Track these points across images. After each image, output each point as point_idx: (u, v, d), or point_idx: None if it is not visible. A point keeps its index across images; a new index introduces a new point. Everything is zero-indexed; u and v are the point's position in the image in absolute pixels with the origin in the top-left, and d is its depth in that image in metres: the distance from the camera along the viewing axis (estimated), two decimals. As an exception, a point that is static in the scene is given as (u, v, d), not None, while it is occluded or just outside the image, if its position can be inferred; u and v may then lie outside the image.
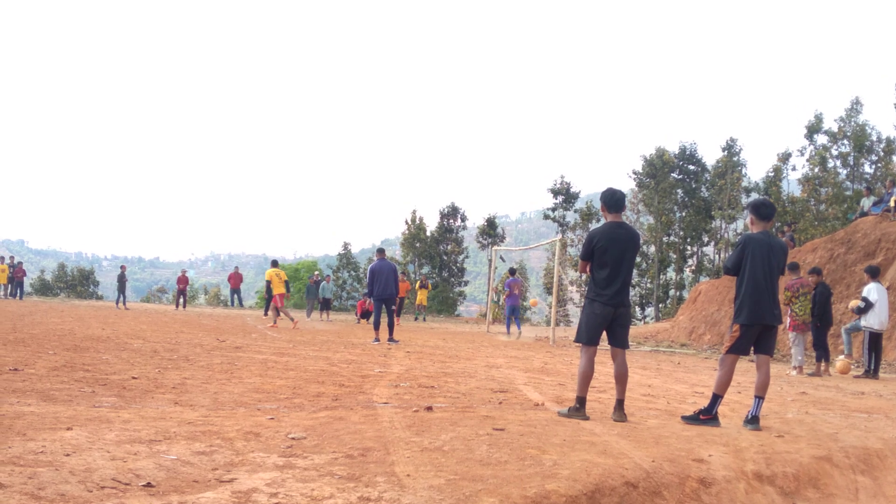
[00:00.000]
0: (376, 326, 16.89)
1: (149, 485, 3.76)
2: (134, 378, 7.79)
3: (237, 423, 5.51)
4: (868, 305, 13.97)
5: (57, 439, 4.55)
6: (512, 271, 25.72)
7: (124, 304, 31.24)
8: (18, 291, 34.23)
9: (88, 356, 9.60)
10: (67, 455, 4.17)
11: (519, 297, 24.64)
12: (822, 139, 44.71)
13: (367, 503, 3.69)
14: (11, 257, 35.80)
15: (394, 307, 17.24)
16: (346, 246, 57.67)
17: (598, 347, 6.99)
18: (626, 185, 53.39)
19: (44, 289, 53.47)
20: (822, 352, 14.45)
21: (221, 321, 22.86)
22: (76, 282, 57.48)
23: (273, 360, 10.79)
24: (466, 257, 54.15)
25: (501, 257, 28.44)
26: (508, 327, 24.04)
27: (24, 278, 35.77)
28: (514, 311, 24.23)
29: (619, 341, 6.85)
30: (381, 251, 17.66)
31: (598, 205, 7.19)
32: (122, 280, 31.85)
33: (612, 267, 6.77)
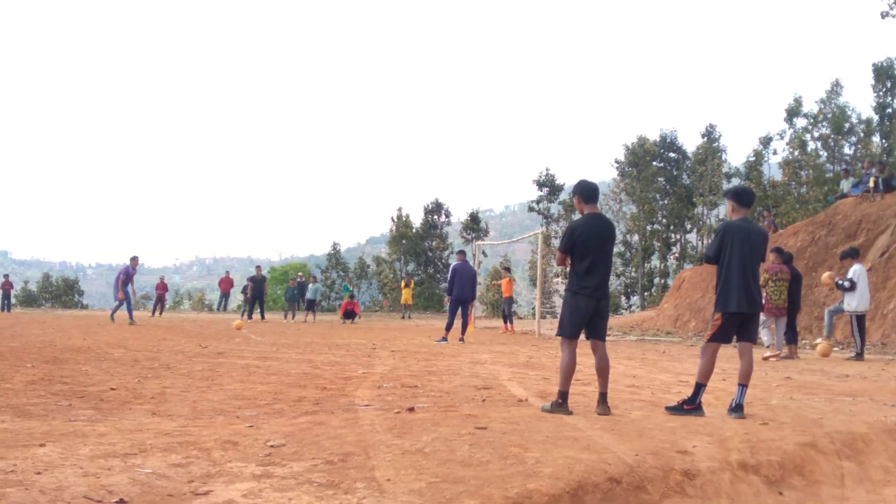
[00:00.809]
0: (448, 327, 17.17)
1: (121, 501, 3.68)
2: (112, 389, 7.69)
3: (215, 433, 5.43)
4: (853, 286, 14.01)
5: (29, 457, 4.46)
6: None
7: (161, 313, 32.03)
8: (6, 304, 34.03)
9: (68, 368, 9.48)
10: (38, 473, 4.08)
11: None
12: (801, 122, 44.92)
13: (346, 510, 3.64)
14: None
15: (470, 310, 17.92)
16: (335, 246, 57.65)
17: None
18: (609, 175, 53.60)
19: (28, 300, 53.10)
20: (791, 334, 14.53)
21: (205, 327, 22.71)
22: (61, 292, 57.10)
23: (255, 364, 10.70)
24: (451, 253, 54.15)
25: (484, 252, 28.53)
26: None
27: (11, 290, 35.63)
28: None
29: (600, 333, 6.80)
30: (462, 252, 18.56)
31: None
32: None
33: (593, 259, 6.72)
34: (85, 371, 9.23)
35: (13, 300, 37.52)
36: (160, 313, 32.79)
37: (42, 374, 8.69)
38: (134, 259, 23.67)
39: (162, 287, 33.64)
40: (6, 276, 35.39)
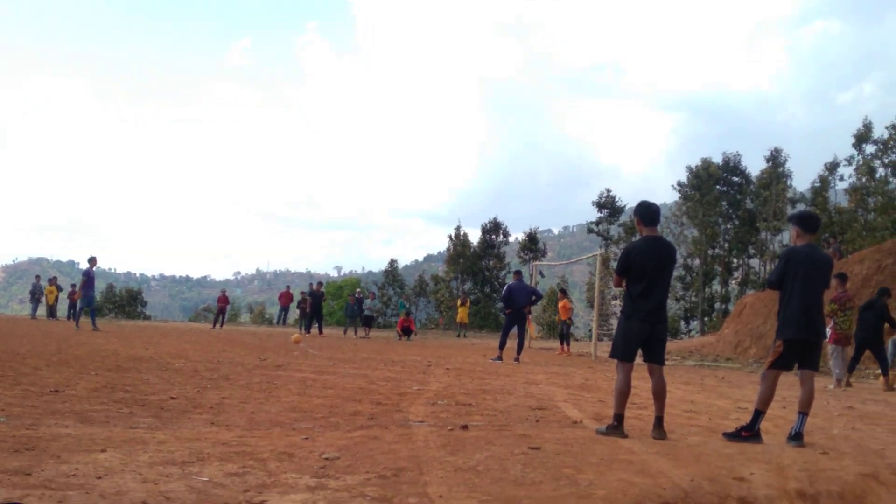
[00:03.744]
0: (501, 346, 17.40)
1: (179, 507, 3.75)
2: (173, 398, 7.83)
3: (271, 444, 5.50)
4: None
5: (90, 461, 4.57)
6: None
7: (221, 325, 33.40)
8: (71, 313, 34.72)
9: (129, 377, 9.67)
10: (99, 478, 4.18)
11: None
12: (871, 148, 43.96)
13: (398, 525, 3.65)
14: (52, 279, 36.33)
15: (528, 321, 18.27)
16: (392, 263, 57.95)
17: (636, 363, 6.88)
18: (671, 198, 53.07)
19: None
20: (853, 363, 14.35)
21: (264, 340, 22.97)
22: (125, 302, 58.20)
23: (312, 378, 10.80)
24: (508, 272, 53.98)
25: (541, 272, 28.44)
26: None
27: (78, 300, 36.42)
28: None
29: (656, 357, 6.73)
30: (518, 272, 18.48)
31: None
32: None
33: (649, 282, 6.66)
34: (146, 380, 9.41)
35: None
36: (221, 325, 33.27)
37: (105, 382, 8.87)
38: (92, 260, 23.68)
39: (223, 300, 34.19)
40: (73, 285, 36.18)
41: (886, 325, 14.41)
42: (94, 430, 5.73)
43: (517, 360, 16.89)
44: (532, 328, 18.89)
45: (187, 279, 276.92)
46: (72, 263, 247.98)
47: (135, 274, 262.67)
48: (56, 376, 9.23)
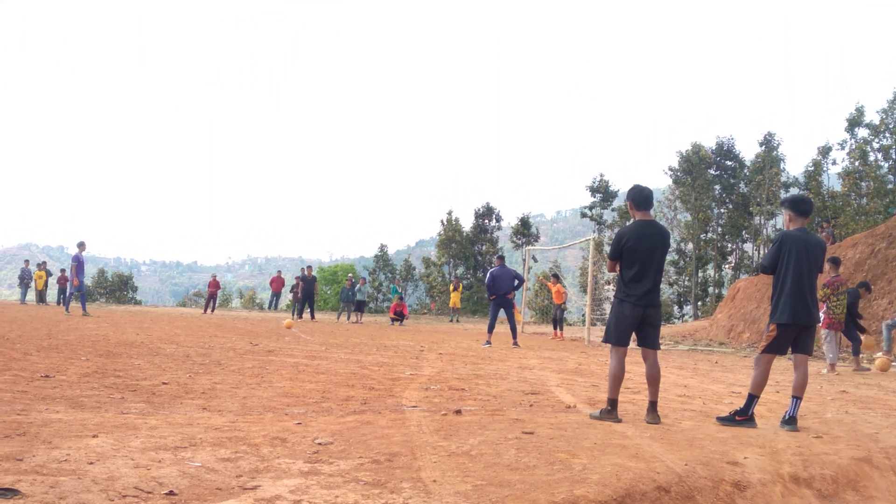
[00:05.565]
0: (490, 329, 17.60)
1: (171, 493, 3.72)
2: (164, 383, 7.80)
3: (264, 429, 5.47)
4: None
5: (82, 447, 4.53)
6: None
7: (212, 310, 33.36)
8: (61, 298, 34.60)
9: (121, 362, 9.64)
10: (91, 463, 4.15)
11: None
12: (863, 132, 43.92)
13: (392, 510, 3.63)
14: (41, 263, 36.19)
15: (514, 306, 18.45)
16: (382, 248, 57.86)
17: (630, 347, 6.87)
18: (663, 182, 53.03)
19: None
20: (856, 346, 14.39)
21: (256, 325, 22.93)
22: (115, 287, 58.06)
23: (304, 363, 10.78)
24: (501, 258, 53.84)
25: (534, 257, 28.47)
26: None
27: (67, 285, 36.34)
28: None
29: (650, 342, 6.72)
30: (501, 258, 18.87)
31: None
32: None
33: (641, 266, 6.65)
34: (137, 365, 9.37)
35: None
36: (212, 311, 33.19)
37: (96, 367, 8.83)
38: (82, 245, 23.55)
39: (214, 285, 34.10)
40: (62, 270, 36.05)
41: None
42: (86, 415, 5.69)
43: (515, 344, 16.97)
44: (517, 311, 18.99)
45: (177, 264, 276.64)
46: (60, 248, 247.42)
47: (125, 259, 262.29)
48: (46, 361, 9.18)
